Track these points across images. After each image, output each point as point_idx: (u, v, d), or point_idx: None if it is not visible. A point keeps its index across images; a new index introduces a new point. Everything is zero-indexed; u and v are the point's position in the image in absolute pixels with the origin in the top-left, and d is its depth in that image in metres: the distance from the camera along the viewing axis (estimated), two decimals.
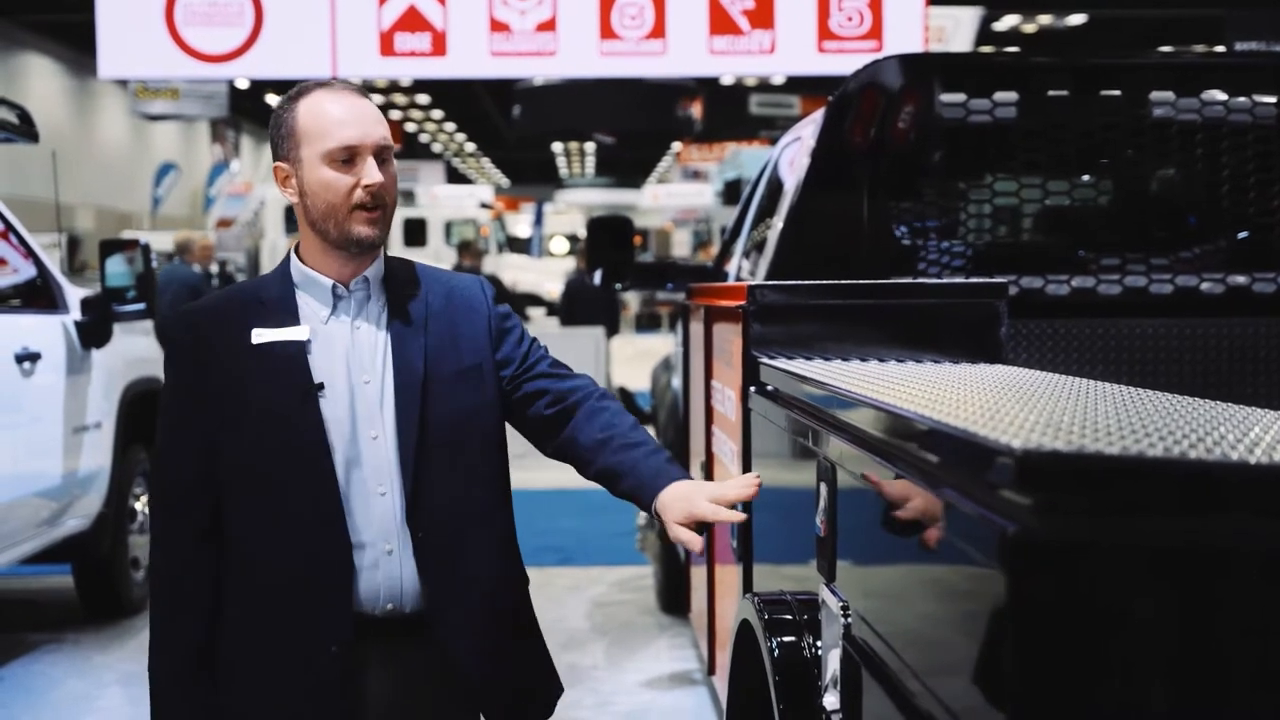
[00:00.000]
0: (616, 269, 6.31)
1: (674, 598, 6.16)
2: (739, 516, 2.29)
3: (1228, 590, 1.25)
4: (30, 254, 6.04)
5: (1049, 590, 1.27)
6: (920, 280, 3.76)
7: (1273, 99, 3.89)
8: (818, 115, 4.11)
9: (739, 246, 5.18)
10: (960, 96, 3.85)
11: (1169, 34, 21.29)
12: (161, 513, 2.39)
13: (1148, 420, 1.56)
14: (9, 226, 5.96)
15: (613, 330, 13.77)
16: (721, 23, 11.08)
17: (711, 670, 4.29)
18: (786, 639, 2.40)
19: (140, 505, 6.58)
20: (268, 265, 18.70)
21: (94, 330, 6.09)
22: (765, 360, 3.03)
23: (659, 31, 11.10)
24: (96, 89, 26.24)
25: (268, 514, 2.31)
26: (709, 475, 4.11)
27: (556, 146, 42.49)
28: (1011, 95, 3.85)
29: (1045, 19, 22.20)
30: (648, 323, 27.31)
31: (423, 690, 2.37)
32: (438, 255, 27.46)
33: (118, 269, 6.27)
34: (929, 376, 2.41)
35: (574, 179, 50.14)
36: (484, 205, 35.85)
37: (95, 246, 6.80)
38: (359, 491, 2.31)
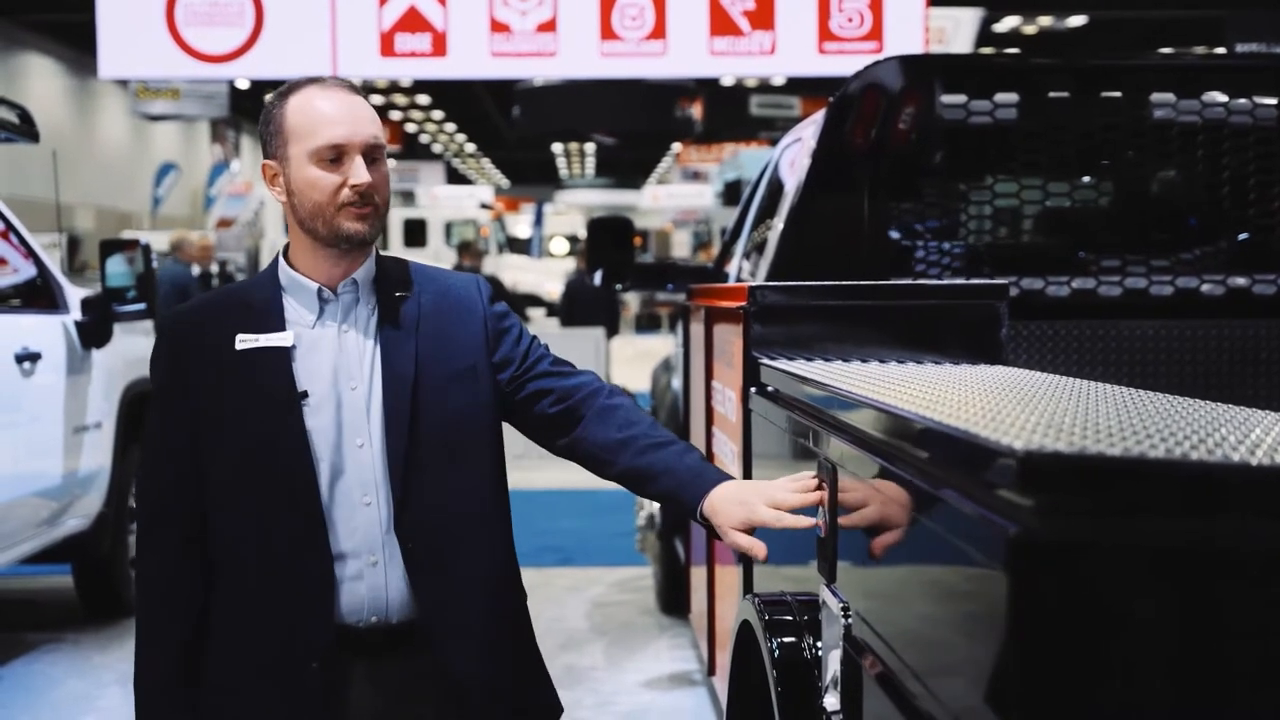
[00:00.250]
0: (617, 270, 6.31)
1: (674, 598, 6.16)
2: (807, 522, 2.17)
3: (1229, 591, 1.25)
4: (30, 254, 6.04)
5: (1051, 591, 1.27)
6: (921, 281, 3.76)
7: (1273, 100, 3.89)
8: (818, 116, 4.11)
9: (739, 247, 5.18)
10: (961, 98, 3.85)
11: (1169, 35, 21.30)
12: (147, 522, 2.33)
13: (1149, 421, 1.56)
14: (9, 226, 5.96)
15: (612, 331, 13.77)
16: (722, 24, 11.08)
17: (711, 671, 4.29)
18: (787, 640, 2.39)
19: None
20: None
21: (94, 330, 6.09)
22: (766, 361, 3.03)
23: (659, 32, 11.10)
24: (97, 89, 26.23)
25: (248, 525, 2.25)
26: None
27: (556, 147, 42.49)
28: (1012, 96, 3.85)
29: (1045, 20, 22.21)
30: (647, 323, 27.31)
31: (411, 705, 2.29)
32: (438, 256, 27.49)
33: (118, 269, 6.27)
34: (929, 377, 2.41)
35: (574, 180, 50.17)
36: (484, 206, 35.90)
37: (95, 246, 6.80)
38: (343, 502, 2.24)
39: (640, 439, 2.32)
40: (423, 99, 32.98)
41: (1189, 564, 1.25)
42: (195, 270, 13.33)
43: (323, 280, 2.28)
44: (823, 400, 2.33)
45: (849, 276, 3.68)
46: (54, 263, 6.25)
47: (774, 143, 5.75)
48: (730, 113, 24.88)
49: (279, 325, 2.27)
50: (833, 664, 2.11)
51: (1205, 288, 3.84)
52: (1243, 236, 3.96)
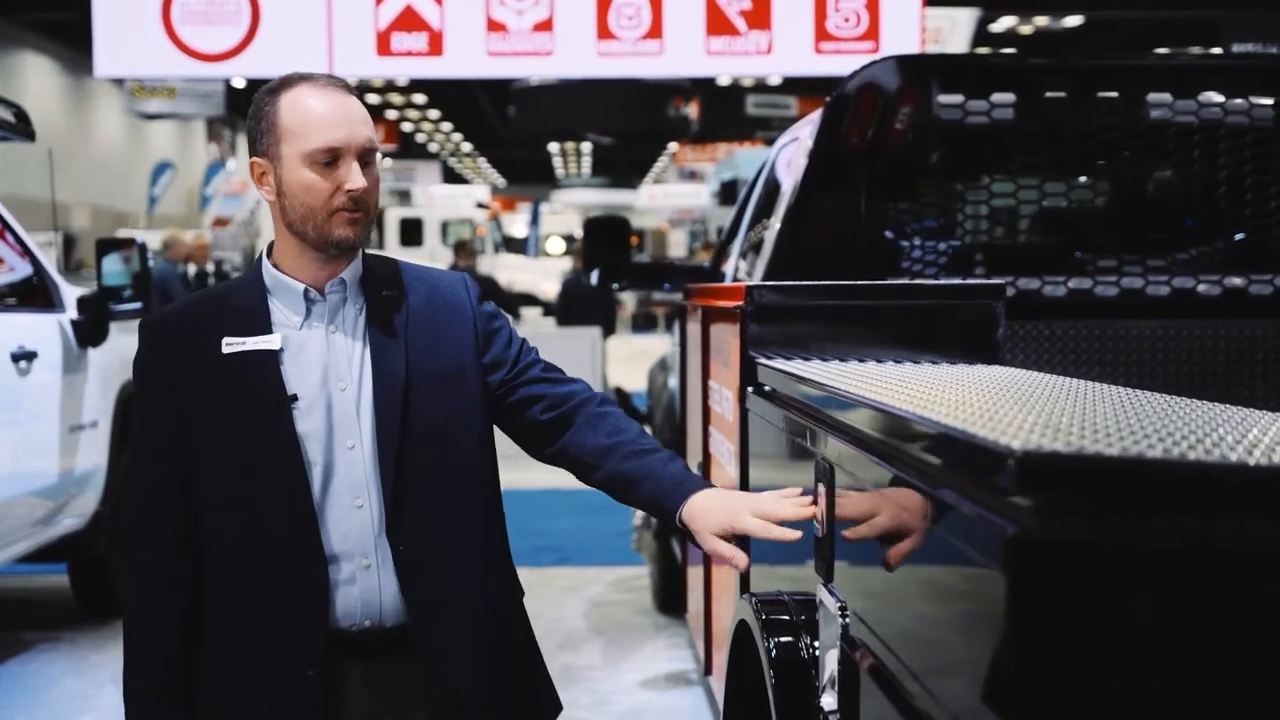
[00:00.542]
0: (613, 269, 6.31)
1: (670, 598, 6.16)
2: (793, 535, 2.12)
3: (1228, 591, 1.25)
4: (26, 252, 6.03)
5: (1049, 591, 1.27)
6: (917, 281, 3.76)
7: (1269, 101, 3.89)
8: (815, 116, 4.11)
9: (736, 247, 5.18)
10: (958, 98, 3.85)
11: (1165, 36, 21.31)
12: (135, 524, 2.30)
13: (1146, 421, 1.56)
14: (5, 225, 5.95)
15: (609, 330, 13.77)
16: (718, 23, 11.09)
17: (708, 670, 4.29)
18: (784, 639, 2.39)
19: None
20: None
21: (90, 329, 6.08)
22: (763, 361, 3.03)
23: (656, 32, 11.10)
24: (93, 88, 26.21)
25: (240, 529, 2.22)
26: (706, 476, 4.11)
27: (553, 147, 42.49)
28: (1009, 97, 3.85)
29: (1042, 20, 22.23)
30: (644, 323, 27.30)
31: (406, 708, 2.26)
32: (434, 255, 27.48)
33: (114, 268, 6.26)
34: (927, 377, 2.41)
35: (570, 179, 50.17)
36: (480, 205, 35.91)
37: (91, 245, 6.79)
38: (335, 505, 2.21)
39: (626, 445, 2.30)
40: (419, 98, 32.97)
41: (1187, 564, 1.25)
42: (191, 269, 13.33)
43: (309, 281, 2.24)
44: (820, 400, 2.33)
45: (846, 276, 3.68)
46: (50, 261, 6.25)
47: (770, 142, 5.76)
48: (726, 112, 24.88)
49: (265, 327, 2.23)
50: (830, 664, 2.11)
51: (1202, 288, 3.84)
52: (1239, 237, 3.96)
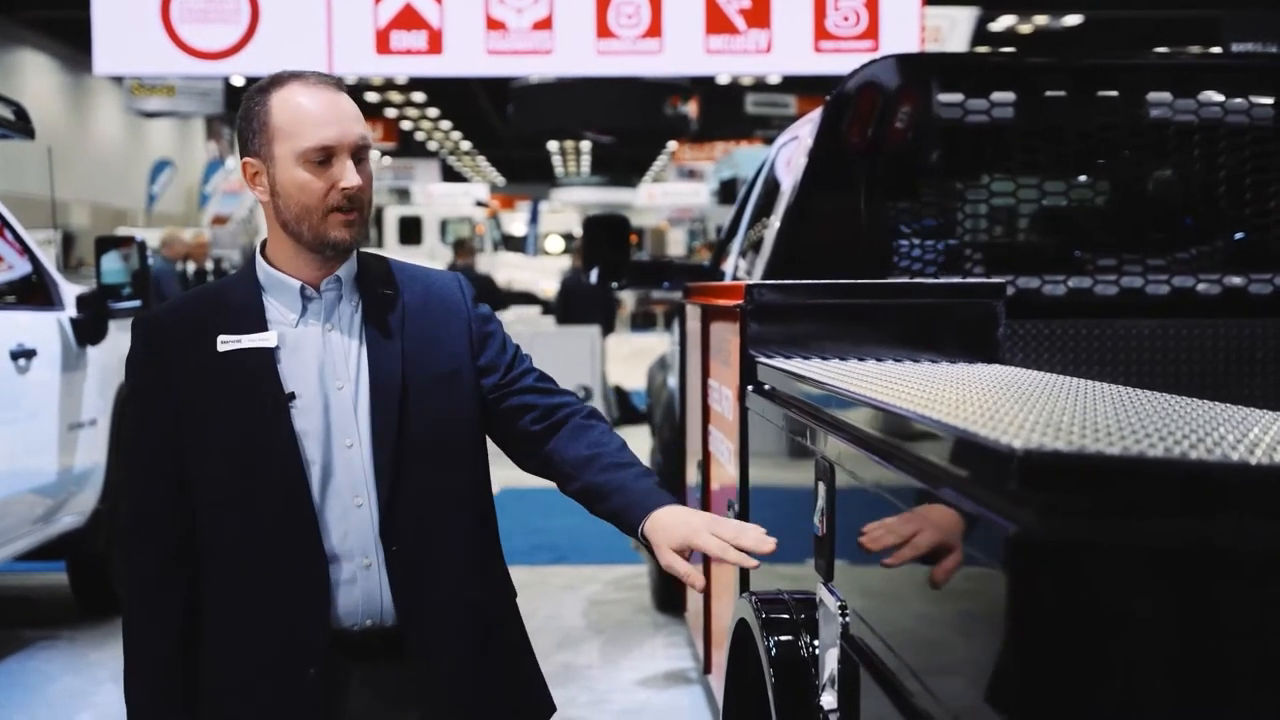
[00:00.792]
0: (613, 268, 6.31)
1: (669, 596, 6.16)
2: (750, 562, 2.08)
3: (1229, 591, 1.25)
4: (26, 250, 6.03)
5: (1050, 591, 1.27)
6: (917, 280, 3.76)
7: (1269, 100, 3.89)
8: (815, 115, 4.11)
9: (735, 246, 5.18)
10: (958, 96, 3.85)
11: (1165, 35, 21.30)
12: (132, 524, 2.28)
13: (1147, 421, 1.56)
14: (4, 223, 5.95)
15: (608, 329, 13.77)
16: (718, 22, 11.09)
17: (707, 669, 4.29)
18: (784, 638, 2.39)
19: None
20: None
21: (89, 327, 6.08)
22: (763, 359, 3.03)
23: (655, 30, 11.10)
24: (92, 86, 26.20)
25: (239, 528, 2.20)
26: (706, 474, 4.12)
27: (552, 145, 42.49)
28: (1009, 95, 3.85)
29: (1041, 19, 22.23)
30: (643, 321, 27.31)
31: (407, 708, 2.25)
32: (433, 253, 27.50)
33: (113, 266, 6.26)
34: (927, 376, 2.41)
35: (569, 178, 50.16)
36: (479, 203, 35.93)
37: (91, 243, 6.79)
38: (335, 504, 2.20)
39: (604, 458, 2.28)
40: (418, 96, 32.97)
41: (1188, 563, 1.25)
42: (191, 267, 13.33)
43: (305, 279, 2.23)
44: (820, 398, 2.32)
45: (845, 275, 3.68)
46: (49, 259, 6.25)
47: (770, 141, 5.76)
48: (726, 111, 24.90)
49: (261, 325, 2.21)
50: (830, 663, 2.11)
51: (1201, 287, 3.84)
52: (1239, 236, 3.96)
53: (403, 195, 37.73)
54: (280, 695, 2.21)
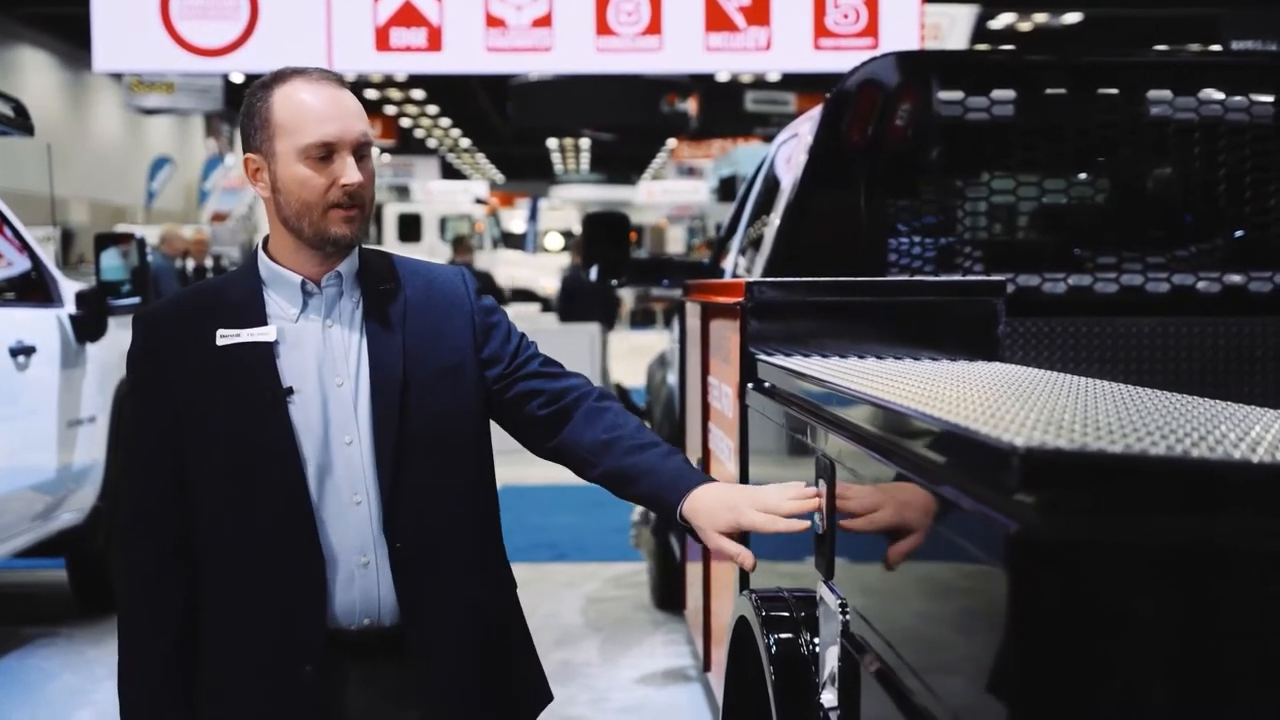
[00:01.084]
0: (612, 265, 6.31)
1: (669, 594, 6.16)
2: (801, 526, 2.09)
3: (1231, 589, 1.25)
4: (25, 247, 6.03)
5: (1051, 589, 1.27)
6: (917, 278, 3.76)
7: (1269, 98, 3.89)
8: (815, 112, 4.11)
9: (735, 243, 5.18)
10: (958, 94, 3.85)
11: (1165, 33, 21.30)
12: (130, 520, 2.27)
13: (1148, 419, 1.55)
14: (3, 220, 5.95)
15: (609, 326, 13.77)
16: (717, 19, 11.08)
17: (706, 667, 4.29)
18: (784, 636, 2.39)
19: None
20: None
21: (89, 324, 6.08)
22: (763, 357, 3.02)
23: (655, 28, 11.09)
24: (91, 82, 26.19)
25: (236, 526, 2.19)
26: (705, 472, 4.11)
27: (551, 142, 42.48)
28: (1009, 93, 3.85)
29: (1041, 17, 22.22)
30: (642, 319, 27.30)
31: (405, 707, 2.24)
32: (432, 250, 27.50)
33: (112, 263, 6.26)
34: (927, 374, 2.41)
35: (569, 175, 50.17)
36: (479, 201, 35.92)
37: (90, 240, 6.79)
38: (332, 501, 2.19)
39: (625, 440, 2.27)
40: (418, 94, 32.95)
41: (1190, 562, 1.25)
42: (190, 264, 13.32)
43: (306, 274, 2.23)
44: (820, 396, 2.32)
45: (845, 272, 3.68)
46: (48, 256, 6.24)
47: (769, 139, 5.75)
48: (725, 109, 24.88)
49: (260, 319, 2.21)
50: (830, 661, 2.11)
51: (1201, 285, 3.84)
52: (1239, 234, 3.96)
53: (402, 192, 37.73)
54: (277, 694, 2.20)
